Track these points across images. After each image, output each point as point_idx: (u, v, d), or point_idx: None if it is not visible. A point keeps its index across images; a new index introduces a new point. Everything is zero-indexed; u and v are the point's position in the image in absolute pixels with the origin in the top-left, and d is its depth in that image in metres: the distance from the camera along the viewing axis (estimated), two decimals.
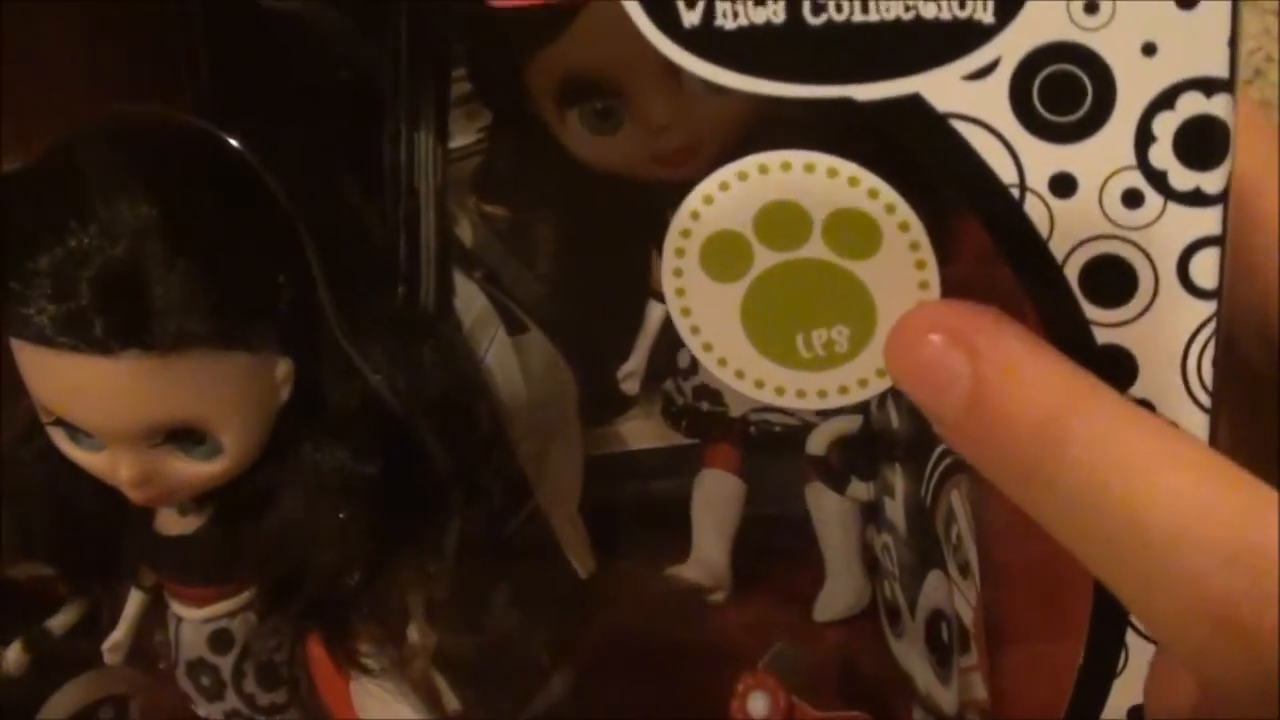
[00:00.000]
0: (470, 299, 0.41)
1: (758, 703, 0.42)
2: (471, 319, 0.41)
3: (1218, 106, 0.26)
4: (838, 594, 0.44)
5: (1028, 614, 0.34)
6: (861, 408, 0.42)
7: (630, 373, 0.44)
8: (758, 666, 0.42)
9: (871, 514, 0.43)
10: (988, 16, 0.27)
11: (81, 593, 0.44)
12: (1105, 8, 0.26)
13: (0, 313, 0.36)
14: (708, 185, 0.29)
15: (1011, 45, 0.27)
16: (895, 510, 0.41)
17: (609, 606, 0.44)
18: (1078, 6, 0.26)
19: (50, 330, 0.35)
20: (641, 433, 0.45)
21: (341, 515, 0.39)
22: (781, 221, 0.29)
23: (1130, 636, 0.30)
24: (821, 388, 0.30)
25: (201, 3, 0.39)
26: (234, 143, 0.37)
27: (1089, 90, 0.27)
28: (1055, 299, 0.28)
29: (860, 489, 0.43)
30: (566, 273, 0.43)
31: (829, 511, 0.43)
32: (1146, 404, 0.28)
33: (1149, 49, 0.26)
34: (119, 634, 0.42)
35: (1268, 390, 0.33)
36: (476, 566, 0.42)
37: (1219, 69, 0.26)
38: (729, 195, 0.29)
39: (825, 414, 0.43)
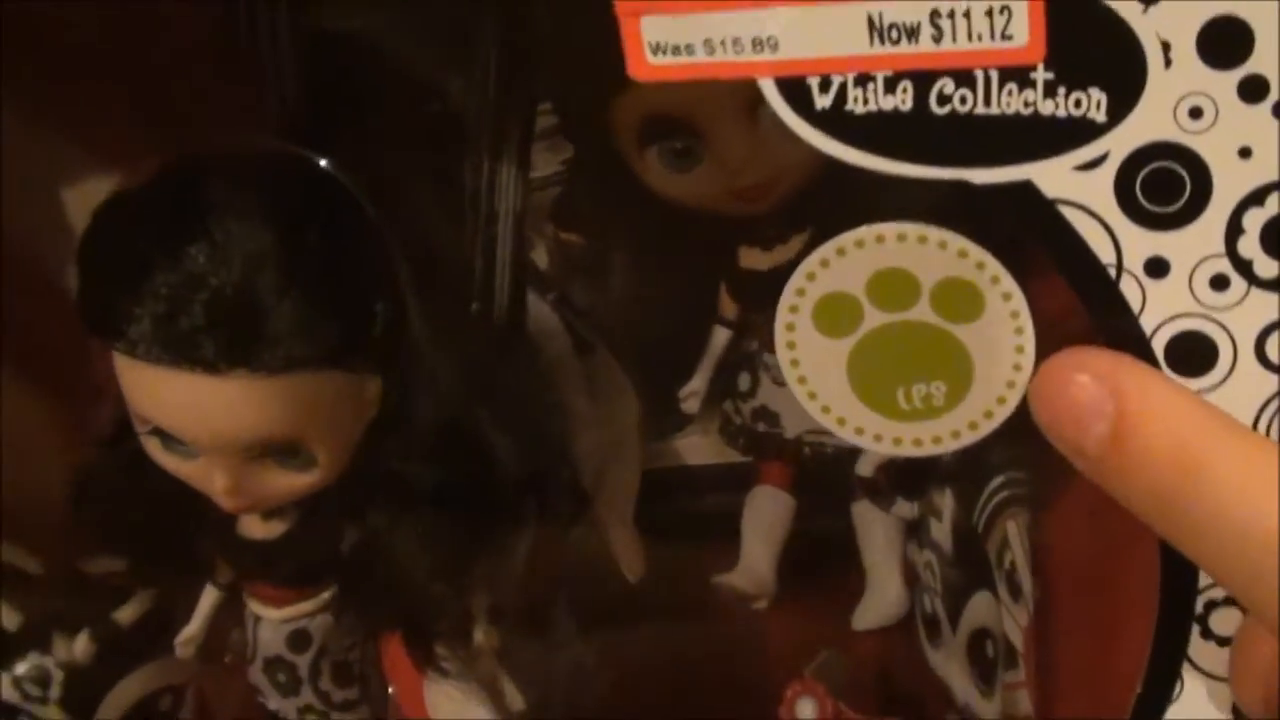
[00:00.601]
0: (543, 319, 0.44)
1: (806, 707, 0.45)
2: (543, 337, 0.44)
3: None
4: (876, 604, 0.47)
5: (1083, 643, 0.38)
6: None
7: (692, 393, 0.47)
8: (804, 673, 0.46)
9: (914, 532, 0.47)
10: (1100, 116, 0.30)
11: (149, 586, 0.46)
12: (1209, 113, 0.29)
13: (104, 328, 0.38)
14: (825, 250, 0.32)
15: (1120, 142, 0.30)
16: (941, 531, 0.44)
17: (657, 612, 0.47)
18: (1184, 111, 0.30)
19: (161, 349, 0.37)
20: (698, 449, 0.48)
21: (420, 525, 0.42)
22: (892, 286, 0.32)
23: (1186, 669, 0.34)
24: (917, 437, 0.33)
25: (293, 35, 0.42)
26: (336, 172, 0.39)
27: (1188, 185, 0.30)
28: None
29: (905, 508, 0.46)
30: (636, 297, 0.46)
31: (873, 528, 0.47)
32: None
33: (1245, 152, 0.30)
34: (193, 628, 0.45)
35: None
36: (539, 574, 0.45)
37: None
38: (845, 260, 0.32)
39: None
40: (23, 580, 0.46)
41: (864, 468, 0.46)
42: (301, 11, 0.41)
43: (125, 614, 0.46)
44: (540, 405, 0.44)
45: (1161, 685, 0.34)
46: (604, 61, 0.42)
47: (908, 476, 0.46)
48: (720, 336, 0.47)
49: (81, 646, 0.46)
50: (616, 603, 0.47)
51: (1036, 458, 0.38)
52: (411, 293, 0.40)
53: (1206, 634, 0.33)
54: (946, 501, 0.44)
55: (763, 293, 0.44)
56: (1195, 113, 0.29)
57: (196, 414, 0.38)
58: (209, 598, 0.45)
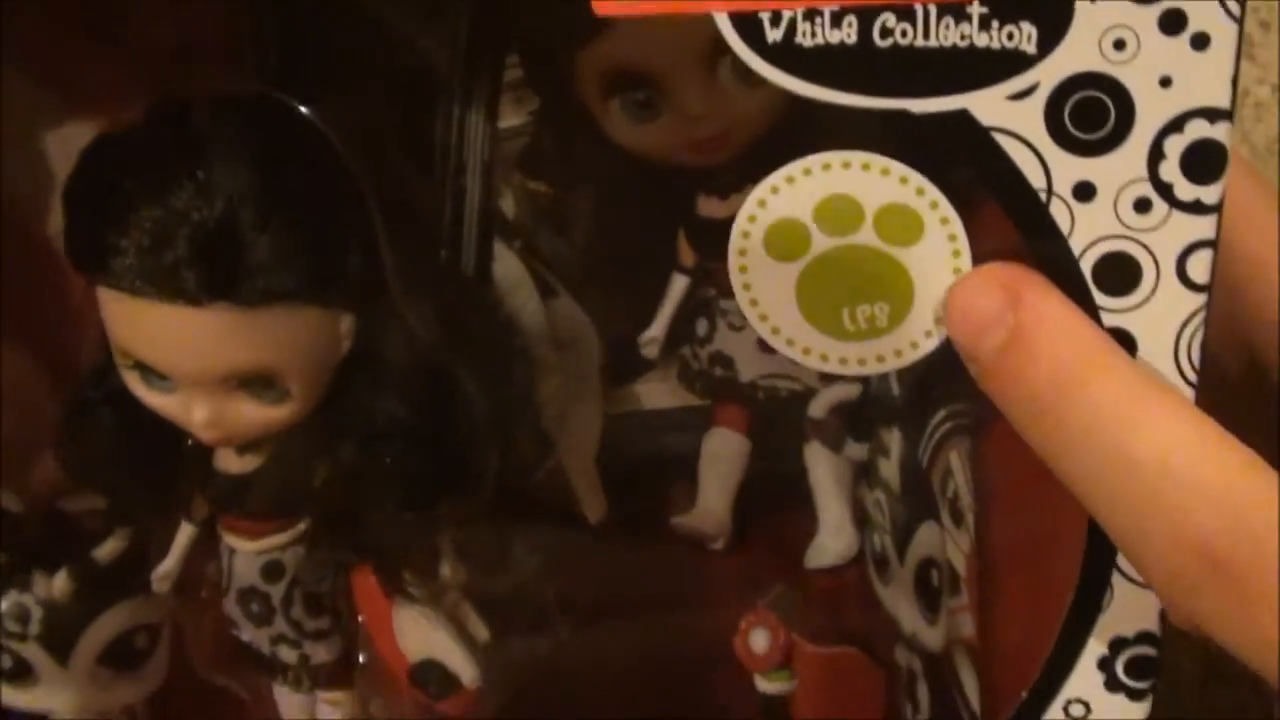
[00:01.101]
0: (509, 266, 0.46)
1: (759, 638, 0.48)
2: (509, 284, 0.46)
3: (1219, 132, 0.32)
4: (828, 544, 0.49)
5: (1020, 561, 0.40)
6: (862, 377, 0.48)
7: (652, 338, 0.49)
8: (758, 606, 0.48)
9: (864, 473, 0.49)
10: (1031, 48, 0.32)
11: (127, 524, 0.48)
12: (1131, 45, 0.32)
13: (90, 261, 0.40)
14: (775, 179, 0.35)
15: (1049, 72, 0.32)
16: (890, 469, 0.46)
17: (617, 552, 0.50)
18: (1108, 42, 0.32)
19: (145, 280, 0.39)
20: (658, 393, 0.51)
21: (389, 460, 0.44)
22: (838, 212, 0.35)
23: (1116, 577, 0.37)
24: (861, 356, 0.36)
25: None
26: (313, 117, 0.41)
27: (1112, 113, 0.33)
28: (1071, 287, 0.34)
29: (855, 449, 0.48)
30: (599, 245, 0.48)
31: (825, 469, 0.49)
32: None
33: (1165, 81, 0.32)
34: (169, 564, 0.47)
35: (1242, 399, 0.40)
36: (503, 513, 0.47)
37: (1222, 101, 0.32)
38: (793, 188, 0.35)
39: (828, 380, 0.48)
40: (3, 518, 0.48)
41: (816, 410, 0.48)
42: None
43: (103, 552, 0.48)
44: (506, 350, 0.46)
45: (1093, 592, 0.37)
46: (570, 16, 0.44)
47: (857, 418, 0.48)
48: (679, 283, 0.49)
49: (60, 584, 0.48)
50: (578, 543, 0.49)
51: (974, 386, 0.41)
52: (384, 237, 0.42)
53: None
54: (894, 439, 0.46)
55: (719, 241, 0.46)
56: (1119, 44, 0.32)
57: (177, 346, 0.40)
58: (184, 534, 0.47)
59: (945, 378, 0.43)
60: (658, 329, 0.49)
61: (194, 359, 0.41)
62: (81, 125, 0.44)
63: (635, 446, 0.50)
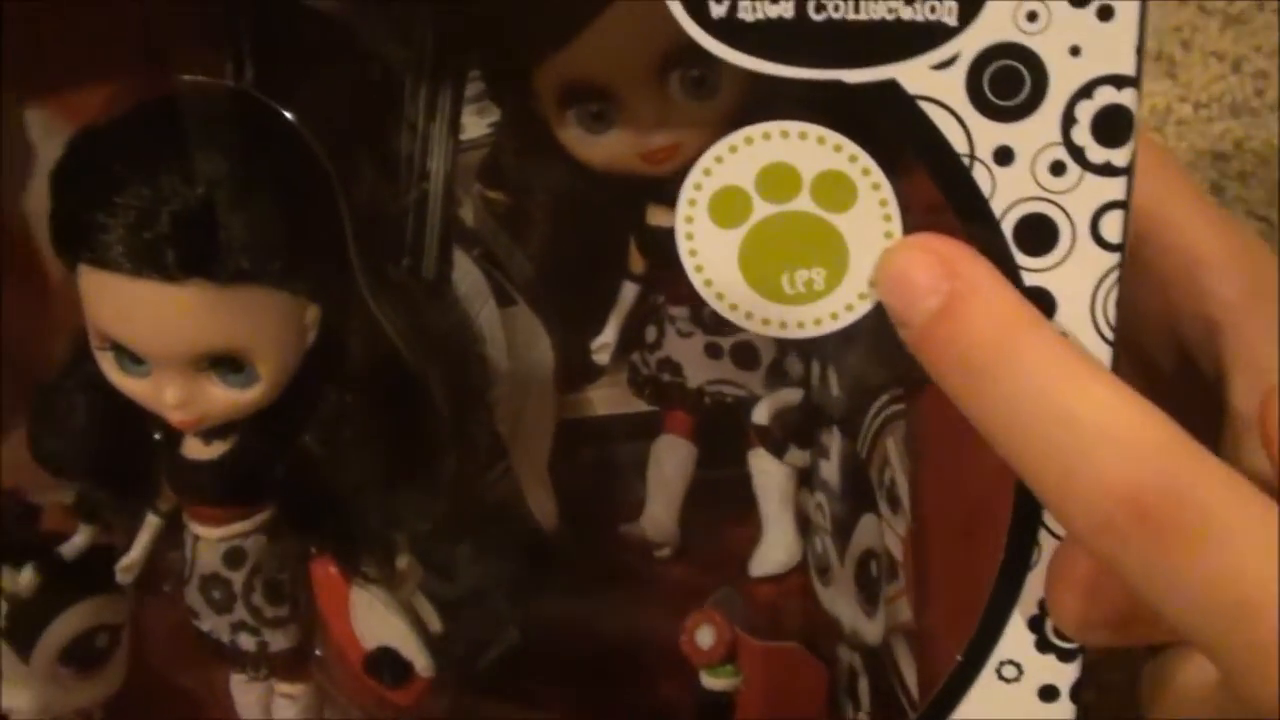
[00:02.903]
0: (467, 273, 0.49)
1: (705, 634, 0.49)
2: (467, 290, 0.49)
3: (1126, 98, 0.35)
4: (771, 551, 0.51)
5: (952, 533, 0.42)
6: (803, 383, 0.50)
7: (603, 345, 0.52)
8: (705, 605, 0.50)
9: (806, 479, 0.51)
10: (951, 20, 0.35)
11: (94, 521, 0.49)
12: (1043, 17, 0.35)
13: (75, 239, 0.43)
14: (719, 148, 0.38)
15: (969, 43, 0.36)
16: (830, 470, 0.49)
17: (566, 557, 0.51)
18: (1021, 14, 0.35)
19: (126, 256, 0.41)
20: (609, 400, 0.53)
21: (350, 450, 0.46)
22: (777, 179, 0.38)
23: (1043, 535, 0.39)
24: (800, 320, 0.38)
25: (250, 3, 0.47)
26: (288, 114, 0.44)
27: (1027, 81, 0.36)
28: (993, 247, 0.36)
29: (797, 456, 0.51)
30: (554, 254, 0.51)
31: (768, 475, 0.51)
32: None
33: (1075, 50, 0.35)
34: (134, 555, 0.48)
35: (1169, 387, 0.42)
36: (455, 515, 0.49)
37: (1128, 68, 0.35)
38: (736, 156, 0.38)
39: (772, 384, 0.51)
40: None
41: (759, 416, 0.51)
42: None
43: (70, 548, 0.49)
44: (464, 353, 0.49)
45: (1021, 552, 0.39)
46: (531, 31, 0.47)
47: (799, 424, 0.50)
48: (629, 291, 0.51)
49: (26, 579, 0.49)
50: (527, 547, 0.51)
51: (906, 369, 0.43)
52: (352, 234, 0.45)
53: None
54: (834, 439, 0.48)
55: (669, 249, 0.49)
56: (1032, 16, 0.35)
57: (154, 323, 0.43)
58: (150, 526, 0.48)
59: (880, 368, 0.45)
60: (609, 335, 0.52)
61: (169, 336, 0.43)
62: (46, 111, 0.47)
63: (586, 452, 0.52)
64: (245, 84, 0.45)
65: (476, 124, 0.49)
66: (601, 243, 0.51)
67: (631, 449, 0.53)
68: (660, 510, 0.52)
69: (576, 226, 0.51)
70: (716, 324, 0.51)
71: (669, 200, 0.49)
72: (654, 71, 0.46)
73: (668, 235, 0.49)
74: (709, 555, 0.53)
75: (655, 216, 0.50)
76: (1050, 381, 0.34)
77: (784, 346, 0.51)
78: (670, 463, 0.53)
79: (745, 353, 0.51)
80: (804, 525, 0.51)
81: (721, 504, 0.52)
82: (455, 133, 0.47)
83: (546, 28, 0.47)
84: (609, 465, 0.53)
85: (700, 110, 0.47)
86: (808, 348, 0.50)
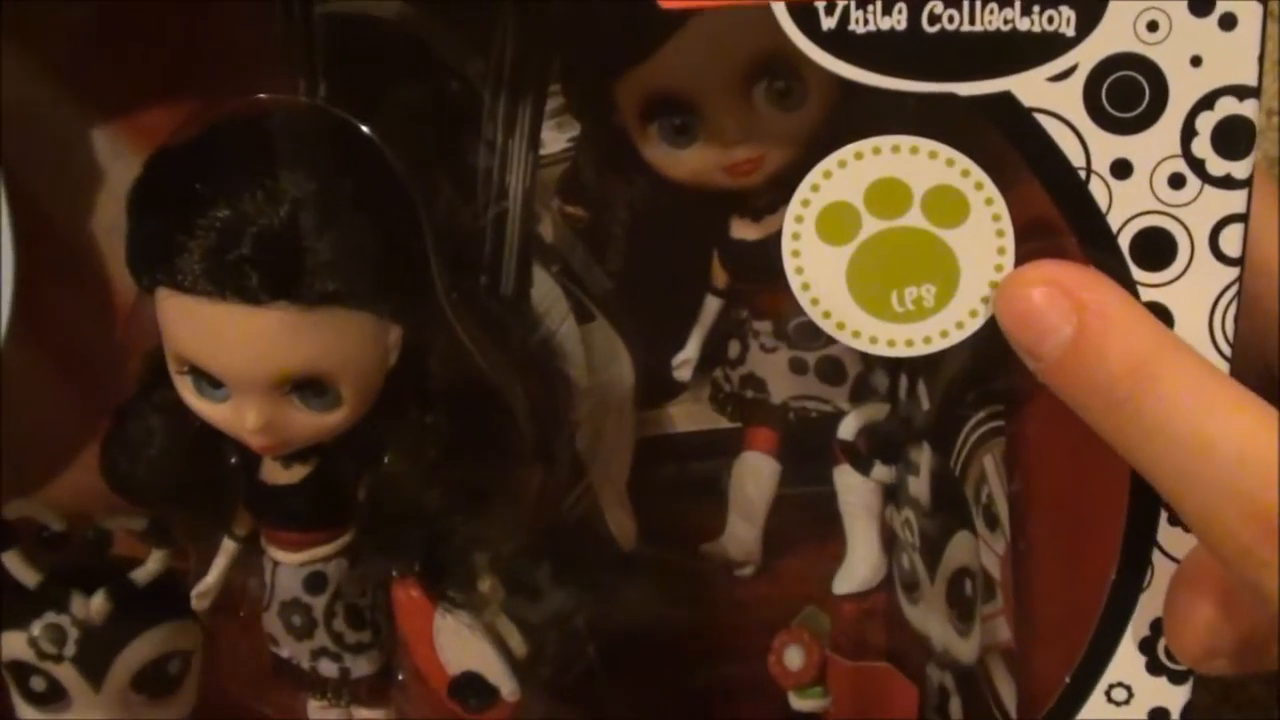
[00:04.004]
0: (545, 289, 0.48)
1: (794, 655, 0.49)
2: (546, 307, 0.48)
3: (1247, 109, 0.35)
4: (856, 569, 0.51)
5: (1058, 554, 0.42)
6: (889, 398, 0.50)
7: (684, 361, 0.51)
8: (791, 625, 0.49)
9: (892, 495, 0.51)
10: (1070, 30, 0.35)
11: (166, 546, 0.49)
12: (1164, 26, 0.35)
13: (155, 262, 0.42)
14: (828, 163, 0.37)
15: (1087, 54, 0.35)
16: (919, 486, 0.48)
17: (647, 577, 0.51)
18: (1142, 24, 0.35)
19: (208, 280, 0.41)
20: (689, 416, 0.52)
21: (435, 473, 0.45)
22: (887, 194, 0.37)
23: (1156, 556, 0.38)
24: (909, 337, 0.38)
25: (322, 17, 0.46)
26: (370, 133, 0.44)
27: (1147, 92, 0.35)
28: (1110, 262, 0.36)
29: (883, 472, 0.50)
30: (634, 269, 0.50)
31: (854, 492, 0.51)
32: None
33: (1196, 61, 0.35)
34: (210, 580, 0.48)
35: None
36: (538, 535, 0.48)
37: (1250, 78, 0.35)
38: (845, 171, 0.37)
39: (857, 399, 0.50)
40: (45, 537, 0.49)
41: (845, 431, 0.50)
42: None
43: (142, 573, 0.49)
44: (545, 371, 0.48)
45: (1134, 574, 0.39)
46: (612, 44, 0.47)
47: (886, 440, 0.50)
48: (712, 305, 0.51)
49: (98, 604, 0.49)
50: (608, 567, 0.51)
51: (1007, 386, 0.43)
52: (433, 252, 0.44)
53: (1174, 519, 0.38)
54: (924, 456, 0.48)
55: (752, 262, 0.49)
56: (1152, 26, 0.35)
57: (236, 347, 0.42)
58: (226, 550, 0.48)
59: (977, 383, 0.45)
60: (691, 351, 0.51)
61: (251, 360, 0.42)
62: (113, 132, 0.47)
63: (666, 470, 0.52)
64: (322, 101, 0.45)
65: (556, 139, 0.49)
66: (683, 257, 0.51)
67: (712, 466, 0.52)
68: (742, 528, 0.52)
69: (657, 240, 0.50)
70: (801, 338, 0.50)
71: (752, 213, 0.49)
72: (739, 83, 0.46)
73: (751, 248, 0.49)
74: (791, 573, 0.52)
75: (739, 229, 0.49)
76: (1187, 410, 0.34)
77: (870, 361, 0.50)
78: (753, 480, 0.52)
79: (831, 367, 0.50)
80: (889, 542, 0.51)
81: (804, 521, 0.52)
82: (535, 148, 0.47)
83: (629, 40, 0.46)
84: (689, 483, 0.53)
85: (785, 122, 0.46)
86: (895, 362, 0.50)
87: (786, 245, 0.38)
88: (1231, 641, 0.37)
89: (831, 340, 0.47)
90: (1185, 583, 0.38)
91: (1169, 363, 0.35)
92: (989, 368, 0.43)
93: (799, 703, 0.50)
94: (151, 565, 0.49)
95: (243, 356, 0.42)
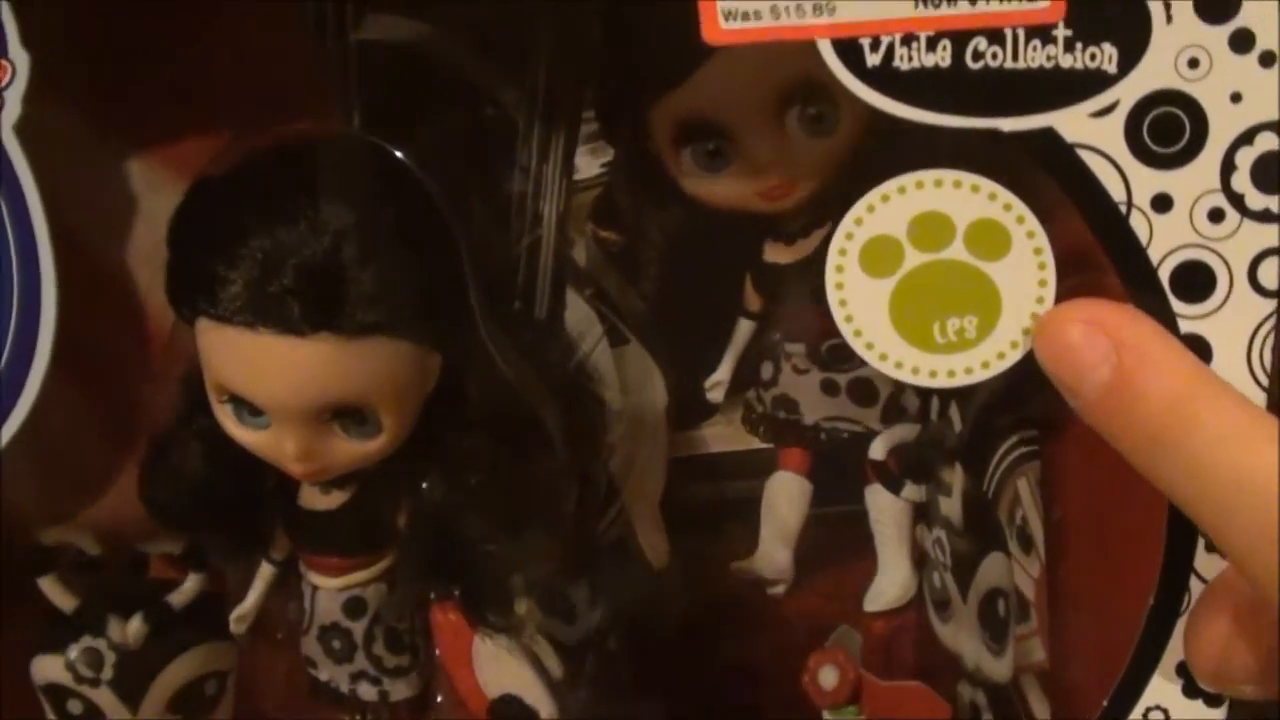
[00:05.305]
0: (580, 313, 0.49)
1: (828, 675, 0.50)
2: (579, 331, 0.49)
3: None
4: (887, 587, 0.52)
5: (1095, 577, 0.43)
6: (920, 418, 0.51)
7: (717, 382, 0.53)
8: (825, 645, 0.51)
9: (923, 514, 0.52)
10: (1112, 68, 0.36)
11: (202, 569, 0.50)
12: (1204, 63, 0.36)
13: (197, 293, 0.43)
14: (871, 197, 0.38)
15: (1129, 90, 0.36)
16: (951, 506, 0.49)
17: (679, 596, 0.52)
18: (1183, 61, 0.36)
19: (250, 311, 0.42)
20: (722, 437, 0.54)
21: (473, 494, 0.46)
22: (930, 227, 0.38)
23: (1194, 582, 0.39)
24: (951, 368, 0.39)
25: (358, 45, 0.47)
26: (408, 162, 0.45)
27: (1187, 127, 0.36)
28: (1150, 295, 0.37)
29: (914, 491, 0.51)
30: (668, 292, 0.52)
31: (885, 511, 0.52)
32: None
33: (1236, 97, 0.36)
34: (248, 604, 0.49)
35: None
36: (573, 557, 0.49)
37: None
38: (889, 205, 0.38)
39: (889, 420, 0.52)
40: (81, 562, 0.50)
41: (876, 451, 0.51)
42: (366, 24, 0.47)
43: (178, 597, 0.50)
44: (581, 394, 0.49)
45: (1171, 598, 0.40)
46: (645, 70, 0.48)
47: (917, 459, 0.51)
48: (744, 328, 0.52)
49: (135, 629, 0.50)
50: (640, 587, 0.52)
51: (1042, 411, 0.44)
52: (471, 280, 0.45)
53: (1211, 546, 0.39)
54: (956, 476, 0.49)
55: (785, 285, 0.50)
56: (1193, 63, 0.36)
57: (277, 377, 0.43)
58: (264, 574, 0.49)
59: (1011, 408, 0.46)
60: (723, 373, 0.53)
61: (293, 390, 0.43)
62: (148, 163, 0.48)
63: (698, 490, 0.53)
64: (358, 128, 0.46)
65: (590, 164, 0.50)
66: (716, 280, 0.52)
67: (744, 486, 0.53)
68: (774, 547, 0.53)
69: (690, 264, 0.52)
70: (832, 360, 0.51)
71: (785, 237, 0.50)
72: (772, 109, 0.47)
73: (784, 272, 0.50)
74: (823, 591, 0.53)
75: (772, 253, 0.50)
76: (1226, 446, 0.35)
77: (902, 383, 0.51)
78: (785, 499, 0.53)
79: (862, 389, 0.52)
80: (919, 560, 0.52)
81: (836, 540, 0.53)
82: (569, 174, 0.47)
83: (663, 66, 0.47)
84: (722, 502, 0.54)
85: (817, 148, 0.48)
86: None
87: (830, 277, 0.39)
88: (1248, 661, 0.38)
89: (864, 362, 0.48)
90: (1206, 600, 0.39)
91: (1207, 399, 0.36)
92: (1023, 393, 0.44)
93: None
94: (189, 587, 0.50)
95: (284, 386, 0.43)
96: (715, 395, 0.53)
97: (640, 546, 0.52)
